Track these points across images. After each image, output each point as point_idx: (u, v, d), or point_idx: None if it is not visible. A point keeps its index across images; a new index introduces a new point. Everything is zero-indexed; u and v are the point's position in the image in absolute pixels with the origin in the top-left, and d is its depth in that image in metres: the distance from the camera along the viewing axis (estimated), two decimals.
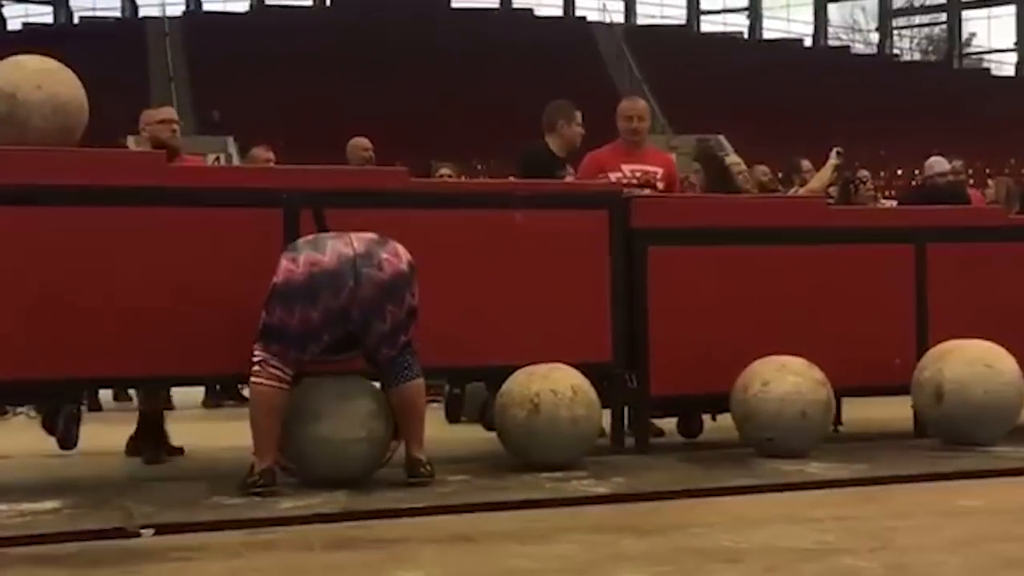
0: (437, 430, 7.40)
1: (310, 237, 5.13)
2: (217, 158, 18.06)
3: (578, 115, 7.01)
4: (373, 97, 25.75)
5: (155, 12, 38.34)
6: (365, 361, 5.24)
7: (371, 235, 5.10)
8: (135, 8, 41.78)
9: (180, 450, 6.45)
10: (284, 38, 29.64)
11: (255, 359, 4.96)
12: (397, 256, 5.07)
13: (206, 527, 4.37)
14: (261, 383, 4.95)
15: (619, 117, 7.13)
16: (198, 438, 6.85)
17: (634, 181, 6.87)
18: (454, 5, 42.34)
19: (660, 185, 6.98)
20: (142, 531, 4.27)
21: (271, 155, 8.25)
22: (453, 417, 7.82)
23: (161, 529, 4.30)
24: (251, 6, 42.70)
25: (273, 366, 4.93)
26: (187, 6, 41.75)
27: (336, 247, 4.98)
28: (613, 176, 6.87)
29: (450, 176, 9.00)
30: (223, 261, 5.42)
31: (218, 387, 9.03)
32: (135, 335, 5.30)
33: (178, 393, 9.35)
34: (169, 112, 6.86)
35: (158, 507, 4.69)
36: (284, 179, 5.70)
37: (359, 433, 5.13)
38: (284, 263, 4.98)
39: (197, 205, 5.44)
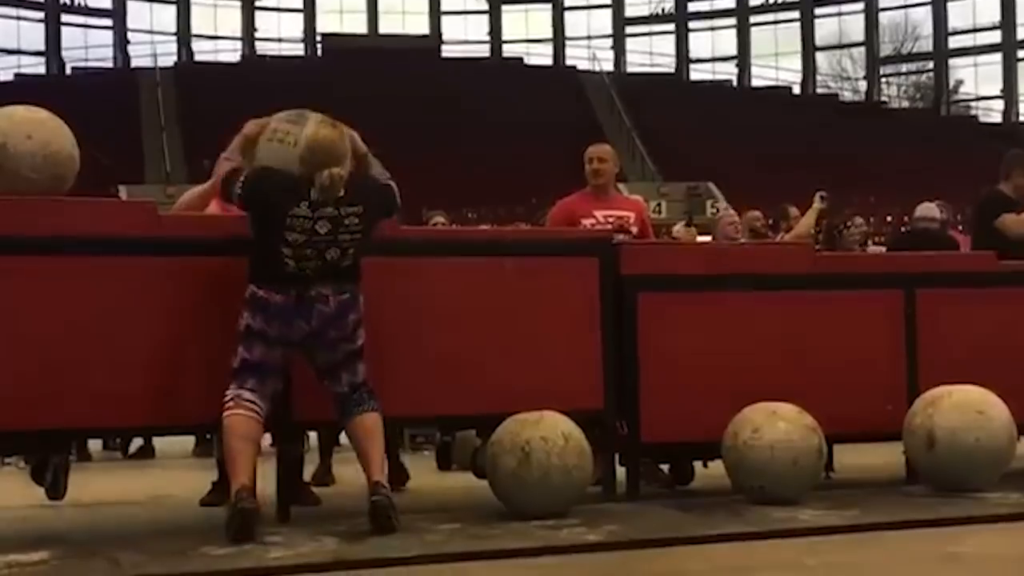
0: (428, 478, 7.40)
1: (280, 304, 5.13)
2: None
3: None
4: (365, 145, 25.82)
5: (147, 62, 38.59)
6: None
7: (330, 310, 5.12)
8: (127, 58, 42.07)
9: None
10: (275, 87, 29.68)
11: (227, 396, 5.05)
12: (355, 299, 5.19)
13: None
14: (237, 413, 5.04)
15: (585, 162, 7.17)
16: (187, 488, 6.81)
17: (608, 226, 6.88)
18: (445, 55, 42.65)
19: (634, 230, 7.01)
20: None
21: None
22: (444, 465, 7.80)
23: None
24: (242, 56, 43.02)
25: (244, 399, 5.06)
26: (179, 56, 42.04)
27: (299, 326, 5.08)
28: (587, 223, 6.91)
29: (443, 224, 9.01)
30: (214, 310, 5.41)
31: (208, 436, 8.99)
32: (124, 384, 5.28)
33: (168, 442, 9.38)
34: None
35: (147, 557, 4.65)
36: None
37: None
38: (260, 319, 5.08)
39: (189, 254, 5.45)
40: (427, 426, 8.58)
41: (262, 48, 44.46)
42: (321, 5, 45.37)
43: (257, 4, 45.21)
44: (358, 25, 45.18)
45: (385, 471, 5.29)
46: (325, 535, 5.03)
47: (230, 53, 43.95)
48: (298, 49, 44.85)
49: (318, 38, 44.40)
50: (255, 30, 45.10)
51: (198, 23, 44.71)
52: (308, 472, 7.02)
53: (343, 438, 6.38)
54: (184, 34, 43.78)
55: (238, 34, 44.80)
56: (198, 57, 43.33)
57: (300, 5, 45.47)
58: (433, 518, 5.48)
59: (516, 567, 4.48)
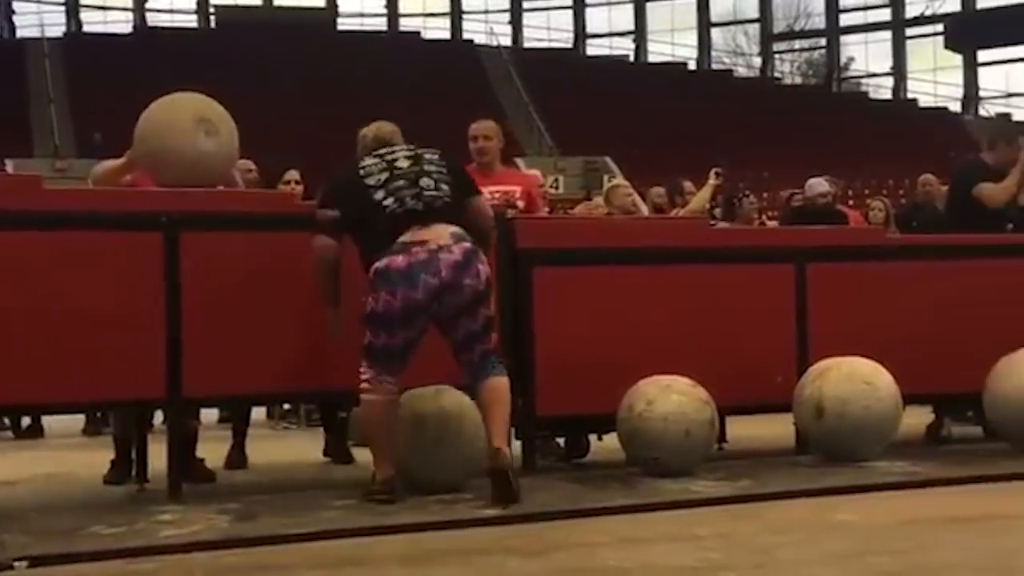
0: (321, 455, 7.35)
1: (402, 266, 5.08)
2: None
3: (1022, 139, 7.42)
4: (258, 119, 25.47)
5: (34, 33, 37.60)
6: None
7: (458, 255, 5.13)
8: (13, 29, 40.91)
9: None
10: (168, 60, 29.21)
11: (363, 375, 5.16)
12: (477, 278, 5.16)
13: (84, 558, 4.26)
14: (372, 398, 5.18)
15: (469, 139, 7.13)
16: (77, 466, 6.69)
17: (495, 202, 6.85)
18: (340, 28, 42.21)
19: (520, 204, 7.00)
20: (15, 563, 4.15)
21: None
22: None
23: (37, 561, 4.18)
24: (133, 27, 42.10)
25: (381, 380, 5.16)
26: (67, 27, 40.99)
27: (427, 282, 5.05)
28: None
29: (297, 182, 8.65)
30: (100, 285, 5.33)
31: (99, 414, 8.84)
32: (7, 361, 5.18)
33: (61, 420, 9.20)
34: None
35: (34, 538, 4.55)
36: (164, 202, 5.59)
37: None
38: (383, 294, 5.07)
39: (74, 228, 5.35)
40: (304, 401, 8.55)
41: (153, 19, 43.57)
42: None
43: None
44: None
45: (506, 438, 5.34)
46: (218, 513, 5.00)
47: (121, 24, 43.01)
48: (191, 21, 44.04)
49: (211, 10, 43.63)
50: (146, 1, 44.21)
51: None
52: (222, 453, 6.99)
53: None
54: (72, 4, 42.73)
55: (129, 5, 43.87)
56: (87, 28, 42.31)
57: None
58: (328, 495, 5.46)
59: (412, 542, 4.47)
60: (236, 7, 42.62)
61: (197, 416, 6.70)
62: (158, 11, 44.19)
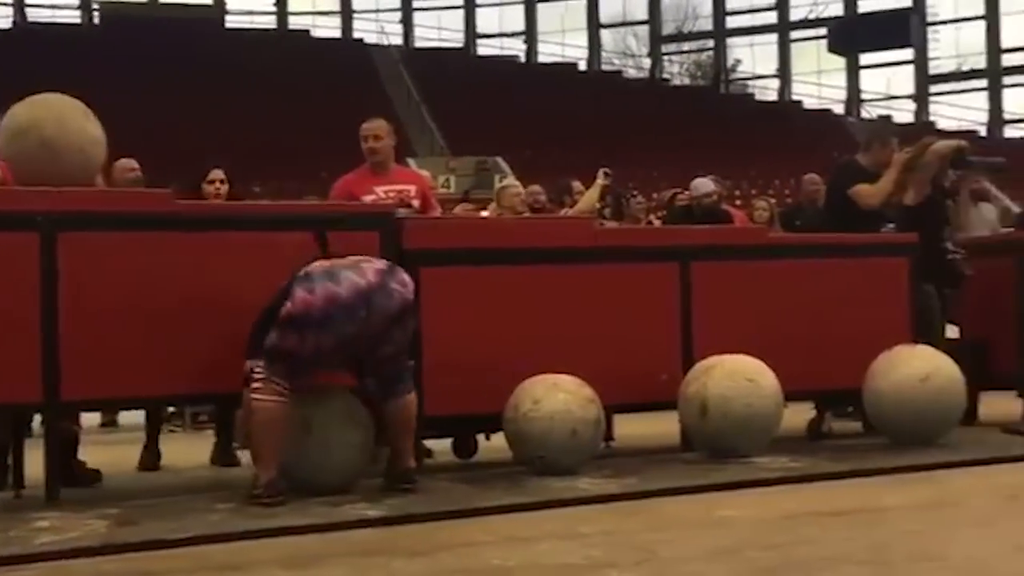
0: (208, 458, 7.25)
1: (326, 264, 5.23)
2: None
3: (895, 142, 7.60)
4: (142, 117, 25.08)
5: None
6: (356, 374, 5.51)
7: (381, 265, 5.30)
8: None
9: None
10: (49, 56, 28.55)
11: (257, 375, 5.12)
12: (404, 286, 5.30)
13: None
14: (265, 399, 5.12)
15: (361, 139, 7.09)
16: None
17: (389, 201, 6.83)
18: (229, 25, 41.68)
19: (415, 203, 6.98)
20: None
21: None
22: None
23: None
24: (13, 23, 41.08)
25: (276, 382, 5.11)
26: None
27: (352, 280, 5.16)
28: (368, 199, 6.81)
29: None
30: None
31: None
32: None
33: None
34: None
35: None
36: (40, 201, 5.45)
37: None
38: (300, 293, 5.13)
39: None
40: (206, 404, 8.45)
41: (34, 15, 42.58)
42: None
43: None
44: None
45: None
46: (97, 518, 4.90)
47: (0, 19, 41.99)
48: (74, 17, 43.13)
49: (95, 6, 42.78)
50: None
51: None
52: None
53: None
54: None
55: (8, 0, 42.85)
56: None
57: None
58: (214, 497, 5.39)
59: (295, 544, 4.42)
60: (121, 3, 41.84)
61: (78, 420, 6.56)
62: (39, 6, 43.22)
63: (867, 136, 7.99)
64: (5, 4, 42.44)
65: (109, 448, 7.18)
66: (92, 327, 5.40)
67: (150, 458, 7.03)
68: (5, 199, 5.53)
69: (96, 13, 42.09)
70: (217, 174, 7.49)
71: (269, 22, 43.90)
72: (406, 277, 5.35)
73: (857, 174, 7.59)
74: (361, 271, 5.21)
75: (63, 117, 5.72)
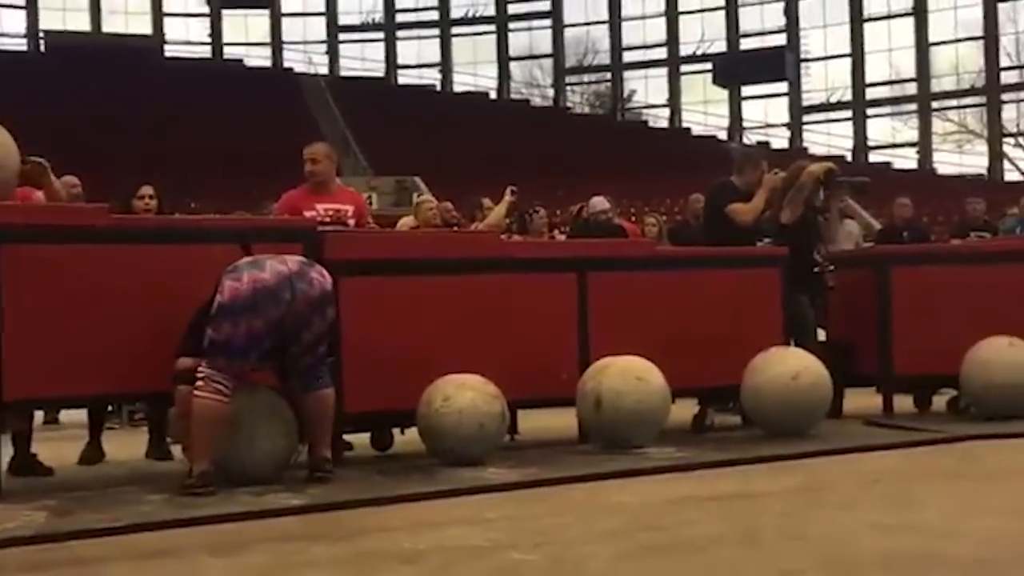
0: (143, 452, 7.11)
1: (249, 259, 5.22)
2: None
3: (764, 164, 7.70)
4: (85, 138, 24.63)
5: None
6: (278, 372, 5.43)
7: (300, 257, 5.34)
8: None
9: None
10: None
11: (200, 375, 5.02)
12: (323, 276, 5.29)
13: None
14: (206, 397, 5.03)
15: (304, 161, 7.08)
16: None
17: (327, 218, 6.85)
18: (168, 54, 41.16)
19: (351, 221, 6.99)
20: None
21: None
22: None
23: None
24: None
25: (217, 381, 5.03)
26: None
27: (274, 266, 5.15)
28: (308, 214, 6.82)
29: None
30: None
31: None
32: None
33: None
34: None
35: None
36: None
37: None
38: (228, 282, 5.10)
39: None
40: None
41: None
42: (44, 3, 42.98)
43: None
44: (81, 23, 43.03)
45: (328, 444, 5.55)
46: (35, 510, 4.79)
47: None
48: (21, 45, 42.25)
49: (40, 34, 41.96)
50: None
51: None
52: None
53: None
54: None
55: None
56: None
57: (23, 2, 42.92)
58: (144, 489, 5.29)
59: (222, 532, 4.36)
60: (66, 32, 41.12)
61: (31, 417, 6.45)
62: None
63: (739, 160, 8.05)
64: None
65: (51, 444, 6.99)
66: (34, 332, 5.28)
67: (92, 453, 6.87)
68: None
69: (42, 42, 41.31)
70: (147, 190, 7.36)
71: (205, 52, 43.47)
72: (323, 270, 5.34)
73: (731, 193, 7.66)
74: (283, 260, 5.21)
75: None
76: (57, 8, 43.10)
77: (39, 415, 8.44)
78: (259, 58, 43.68)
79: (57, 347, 5.34)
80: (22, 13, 42.82)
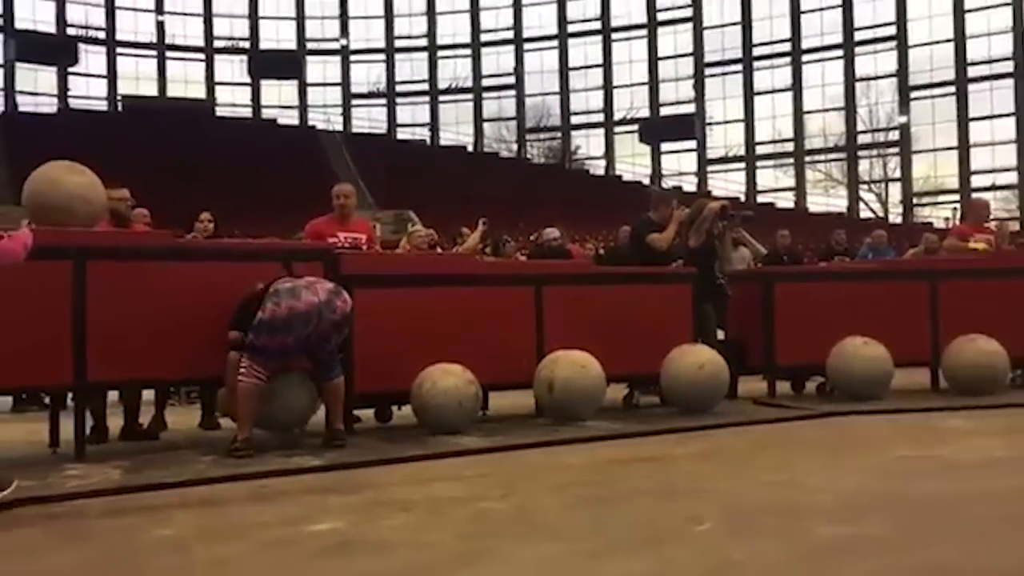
0: (196, 421, 7.03)
1: (288, 285, 5.14)
2: None
3: (674, 202, 7.62)
4: (155, 183, 24.40)
5: None
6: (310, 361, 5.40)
7: (330, 286, 5.22)
8: None
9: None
10: (85, 136, 27.63)
11: (243, 364, 5.03)
12: (345, 303, 5.22)
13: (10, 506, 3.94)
14: (247, 381, 5.03)
15: (333, 197, 7.07)
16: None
17: (347, 244, 6.83)
18: (218, 114, 41.00)
19: (365, 247, 6.98)
20: None
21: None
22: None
23: None
24: (58, 109, 39.76)
25: (256, 370, 5.04)
26: (4, 107, 38.28)
27: (308, 296, 5.07)
28: (332, 240, 6.78)
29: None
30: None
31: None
32: None
33: None
34: (124, 192, 6.21)
35: None
36: (74, 239, 5.25)
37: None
38: (270, 305, 5.04)
39: None
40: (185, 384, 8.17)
41: (75, 103, 41.21)
42: (122, 72, 42.68)
43: (70, 70, 41.95)
44: (151, 89, 42.75)
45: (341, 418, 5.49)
46: (112, 468, 4.72)
47: (50, 105, 40.53)
48: (103, 106, 41.87)
49: (118, 97, 41.62)
50: (68, 90, 41.85)
51: (22, 79, 41.07)
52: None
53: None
54: (10, 87, 40.00)
55: (54, 91, 41.43)
56: (22, 108, 39.66)
57: (105, 72, 42.55)
58: (199, 452, 5.24)
59: (257, 486, 4.31)
60: (138, 96, 40.86)
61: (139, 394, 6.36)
62: (77, 97, 41.92)
63: (655, 199, 8.06)
64: (51, 95, 41.04)
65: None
66: (115, 329, 5.22)
67: (157, 424, 6.78)
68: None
69: (120, 103, 40.98)
70: (206, 215, 7.32)
71: (247, 112, 43.26)
72: (347, 296, 5.29)
73: (650, 226, 7.68)
74: (315, 290, 5.13)
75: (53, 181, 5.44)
76: (132, 77, 42.83)
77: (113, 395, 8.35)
78: (289, 118, 43.50)
79: (131, 341, 5.27)
80: (104, 81, 42.54)
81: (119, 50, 43.00)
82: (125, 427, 6.13)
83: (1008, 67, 37.63)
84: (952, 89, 38.69)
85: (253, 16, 44.50)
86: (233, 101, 43.73)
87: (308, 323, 5.07)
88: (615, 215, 26.52)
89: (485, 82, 44.93)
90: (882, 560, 2.73)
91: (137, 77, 43.03)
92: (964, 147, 38.75)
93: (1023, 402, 6.85)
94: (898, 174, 40.85)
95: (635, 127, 43.30)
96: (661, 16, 43.06)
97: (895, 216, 39.45)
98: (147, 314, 5.34)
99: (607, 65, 43.55)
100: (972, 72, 38.32)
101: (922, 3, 39.25)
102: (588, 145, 45.09)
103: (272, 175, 29.66)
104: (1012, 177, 38.05)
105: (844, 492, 3.83)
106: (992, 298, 7.76)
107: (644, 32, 43.17)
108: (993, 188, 38.24)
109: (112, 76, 42.57)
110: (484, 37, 44.82)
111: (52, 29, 41.57)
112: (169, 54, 43.63)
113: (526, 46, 44.51)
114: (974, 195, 19.71)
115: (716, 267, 7.74)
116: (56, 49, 40.84)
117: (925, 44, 39.18)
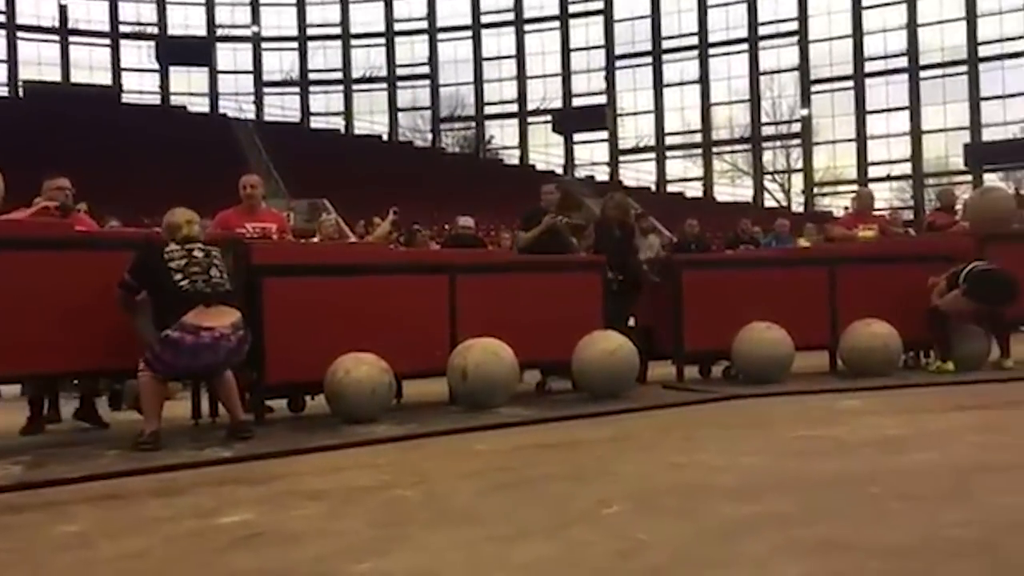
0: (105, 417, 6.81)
1: (196, 320, 4.98)
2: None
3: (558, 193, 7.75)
4: (55, 169, 23.51)
5: None
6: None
7: (235, 321, 5.08)
8: None
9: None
10: None
11: (143, 359, 4.95)
12: (245, 339, 5.15)
13: None
14: (148, 372, 4.96)
15: (240, 188, 6.93)
16: None
17: (255, 234, 6.70)
18: (125, 100, 39.74)
19: (275, 236, 6.85)
20: None
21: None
22: (115, 407, 7.21)
23: None
24: None
25: (155, 367, 4.97)
26: None
27: (212, 333, 4.96)
28: (240, 231, 6.66)
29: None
30: None
31: None
32: None
33: None
34: (64, 181, 6.01)
35: None
36: None
37: None
38: (178, 333, 4.92)
39: None
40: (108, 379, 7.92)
41: None
42: (23, 58, 40.99)
43: None
44: (54, 75, 41.16)
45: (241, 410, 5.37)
46: (14, 464, 4.54)
47: None
48: (3, 91, 40.16)
49: (20, 83, 39.97)
50: None
51: None
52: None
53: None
54: None
55: None
56: None
57: (4, 56, 40.82)
58: (103, 446, 5.08)
59: (164, 479, 4.21)
60: (41, 82, 39.34)
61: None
62: None
63: (561, 193, 8.22)
64: None
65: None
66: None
67: (51, 417, 6.53)
68: None
69: (21, 88, 39.42)
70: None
71: (155, 100, 42.04)
72: (248, 334, 5.20)
73: (536, 217, 7.81)
74: (215, 351, 5.00)
75: None
76: (33, 63, 41.23)
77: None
78: (199, 106, 42.43)
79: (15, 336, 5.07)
80: (3, 66, 40.84)
81: (19, 34, 41.30)
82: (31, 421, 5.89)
83: (903, 62, 38.98)
84: (850, 83, 39.89)
85: (160, 1, 43.20)
86: (141, 88, 42.42)
87: (210, 352, 5.00)
88: (529, 204, 26.63)
89: (400, 71, 44.53)
90: (782, 536, 2.80)
91: (39, 63, 41.38)
92: (862, 139, 40.02)
93: (915, 382, 7.11)
94: (800, 164, 41.95)
95: (548, 118, 43.47)
96: (573, 8, 43.28)
97: (797, 205, 40.53)
98: (43, 308, 5.14)
99: (520, 56, 43.61)
100: (869, 67, 39.57)
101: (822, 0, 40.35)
102: (502, 135, 45.09)
103: (182, 164, 28.88)
104: (907, 168, 39.45)
105: (746, 472, 3.91)
106: (886, 284, 8.03)
107: (557, 24, 43.34)
108: (889, 178, 39.64)
109: (12, 61, 40.87)
110: (398, 27, 44.41)
111: None
112: (73, 39, 42.06)
113: (440, 36, 44.25)
114: (858, 187, 20.41)
115: (627, 258, 7.84)
116: None
117: (825, 40, 40.28)
